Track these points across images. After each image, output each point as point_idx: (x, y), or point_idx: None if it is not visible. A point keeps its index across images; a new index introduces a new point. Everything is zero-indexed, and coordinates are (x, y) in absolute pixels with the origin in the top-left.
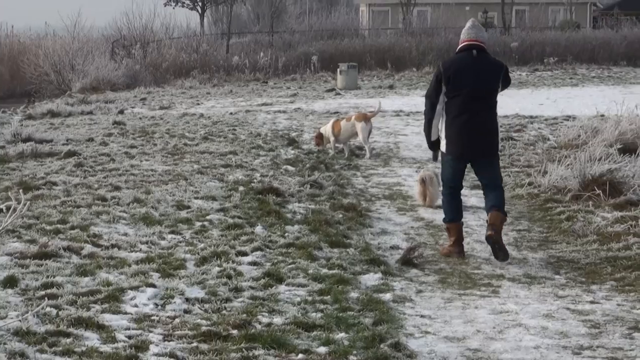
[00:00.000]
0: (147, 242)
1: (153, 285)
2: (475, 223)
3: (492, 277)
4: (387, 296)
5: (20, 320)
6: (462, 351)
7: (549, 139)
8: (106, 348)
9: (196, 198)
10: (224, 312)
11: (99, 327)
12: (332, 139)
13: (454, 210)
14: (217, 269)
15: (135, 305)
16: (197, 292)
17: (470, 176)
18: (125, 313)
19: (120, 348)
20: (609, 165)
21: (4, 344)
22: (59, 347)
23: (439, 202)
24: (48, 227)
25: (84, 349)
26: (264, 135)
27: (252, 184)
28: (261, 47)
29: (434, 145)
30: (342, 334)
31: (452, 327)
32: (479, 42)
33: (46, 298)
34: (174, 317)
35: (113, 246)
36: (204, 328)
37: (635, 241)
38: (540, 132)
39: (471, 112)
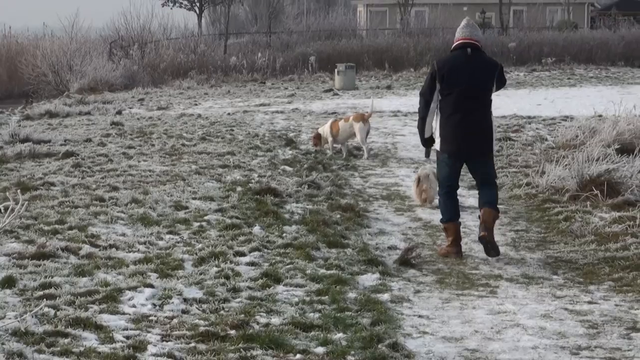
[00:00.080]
0: (145, 243)
1: (151, 286)
2: (473, 223)
3: (490, 277)
4: (385, 296)
5: (18, 321)
6: (460, 351)
7: (546, 140)
8: (104, 348)
9: (194, 198)
10: (221, 312)
11: (97, 328)
12: (330, 139)
13: (451, 210)
14: (215, 269)
15: (133, 306)
16: (195, 293)
17: (467, 176)
18: (123, 313)
19: (118, 348)
20: (606, 165)
21: (2, 344)
22: (57, 347)
23: (437, 201)
24: (46, 228)
25: (82, 349)
26: (261, 136)
27: (250, 185)
28: (259, 47)
29: (427, 142)
30: (340, 334)
31: (450, 327)
32: (473, 40)
33: (44, 298)
34: (172, 318)
35: (111, 246)
36: (202, 328)
37: (633, 241)
38: (538, 132)
39: (465, 110)
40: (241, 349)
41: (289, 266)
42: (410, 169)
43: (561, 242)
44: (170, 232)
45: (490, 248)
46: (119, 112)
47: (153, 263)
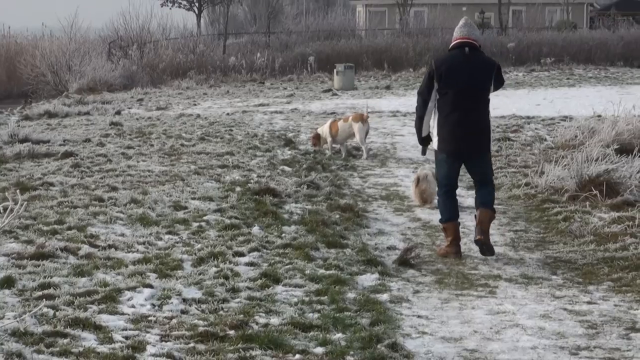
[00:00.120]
0: (144, 243)
1: (150, 286)
2: (472, 223)
3: (489, 277)
4: (384, 297)
5: (17, 321)
6: (459, 351)
7: (546, 140)
8: (103, 348)
9: (193, 199)
10: (221, 312)
11: (96, 328)
12: (329, 139)
13: (450, 210)
14: (214, 269)
15: (133, 306)
16: (194, 293)
17: (467, 177)
18: (123, 313)
19: (117, 348)
20: (606, 165)
21: (1, 344)
22: (56, 347)
23: (436, 202)
24: (45, 228)
25: (81, 349)
26: (260, 136)
27: (249, 185)
28: (258, 47)
29: (424, 140)
30: (339, 335)
31: (449, 327)
32: (471, 40)
33: (43, 299)
34: (171, 318)
35: (110, 247)
36: (201, 328)
37: (632, 241)
38: (537, 132)
39: (463, 109)
40: (240, 349)
41: (288, 266)
42: (409, 169)
43: (560, 242)
44: (169, 233)
45: (486, 249)
46: (118, 112)
47: (152, 263)
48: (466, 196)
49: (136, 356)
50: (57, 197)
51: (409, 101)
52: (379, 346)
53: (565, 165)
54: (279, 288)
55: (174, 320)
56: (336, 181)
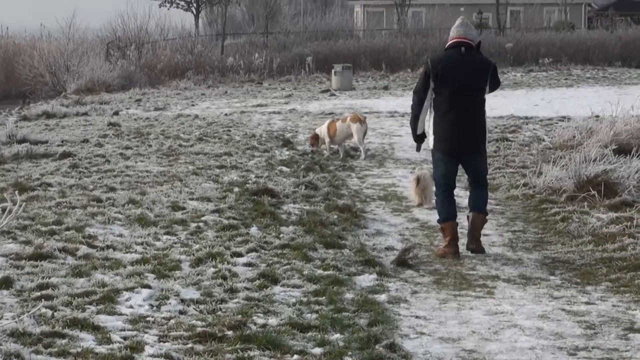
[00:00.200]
0: (142, 243)
1: (148, 287)
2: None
3: (487, 278)
4: (382, 297)
5: (15, 322)
6: (457, 352)
7: (544, 140)
8: (101, 349)
9: (191, 199)
10: (219, 313)
11: (94, 328)
12: (327, 140)
13: (448, 209)
14: (212, 270)
15: (131, 307)
16: (192, 293)
17: (465, 177)
18: (121, 314)
19: (115, 349)
20: (604, 166)
21: (0, 345)
22: (54, 348)
23: (434, 201)
24: (43, 228)
25: (79, 350)
26: (258, 137)
27: (247, 185)
28: (256, 48)
29: (418, 138)
30: (337, 335)
31: (447, 328)
32: (467, 39)
33: (42, 299)
34: (169, 318)
35: (108, 247)
36: (199, 329)
37: (630, 242)
38: (535, 132)
39: (459, 109)
40: (238, 350)
41: (286, 267)
42: (407, 169)
43: (558, 242)
44: (167, 233)
45: (477, 252)
46: (116, 113)
47: (150, 264)
48: (464, 196)
49: (134, 356)
50: (55, 197)
51: (407, 102)
52: (377, 347)
53: (563, 165)
54: (277, 288)
55: (172, 321)
56: (334, 182)
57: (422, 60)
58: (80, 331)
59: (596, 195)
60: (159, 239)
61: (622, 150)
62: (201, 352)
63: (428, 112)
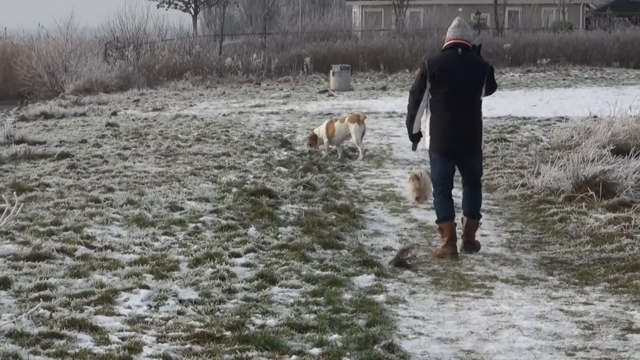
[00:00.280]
0: (140, 244)
1: (146, 287)
2: None
3: (486, 278)
4: (381, 297)
5: (13, 322)
6: (456, 352)
7: (542, 140)
8: (99, 350)
9: (189, 199)
10: (217, 313)
11: (93, 329)
12: (325, 140)
13: (446, 209)
14: (211, 270)
15: (129, 307)
16: (190, 294)
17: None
18: (119, 315)
19: (113, 350)
20: (602, 166)
21: None
22: (52, 348)
23: (432, 200)
24: (41, 229)
25: (77, 350)
26: (257, 137)
27: (245, 186)
28: (254, 48)
29: (414, 137)
30: (336, 335)
31: (445, 328)
32: (464, 40)
33: (40, 300)
34: (167, 319)
35: (106, 248)
36: (197, 329)
37: (628, 242)
38: (533, 133)
39: (455, 109)
40: (237, 350)
41: (284, 267)
42: (405, 170)
43: (556, 243)
44: (165, 233)
45: (472, 250)
46: (114, 113)
47: (148, 264)
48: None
49: (132, 357)
50: (54, 198)
51: (405, 102)
52: (375, 347)
53: (561, 166)
54: (275, 289)
55: (170, 321)
56: (332, 182)
57: (420, 60)
58: (79, 332)
59: (594, 195)
60: (157, 240)
61: (620, 150)
62: (199, 352)
63: (424, 113)
